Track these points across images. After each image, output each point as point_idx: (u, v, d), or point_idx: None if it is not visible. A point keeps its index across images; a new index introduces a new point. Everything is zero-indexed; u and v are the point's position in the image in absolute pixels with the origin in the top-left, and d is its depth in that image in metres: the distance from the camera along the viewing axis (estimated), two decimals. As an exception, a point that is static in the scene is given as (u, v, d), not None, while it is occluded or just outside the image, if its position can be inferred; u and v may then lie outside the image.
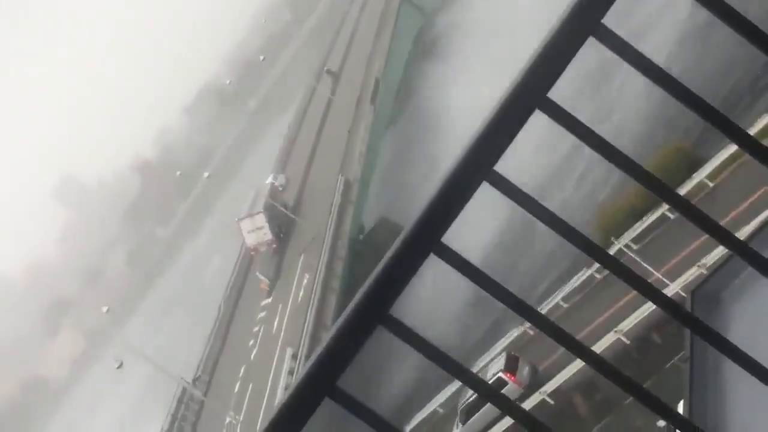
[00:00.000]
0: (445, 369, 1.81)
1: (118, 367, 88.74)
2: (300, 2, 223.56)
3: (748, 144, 1.84)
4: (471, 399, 42.36)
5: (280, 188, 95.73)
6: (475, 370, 43.75)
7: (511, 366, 42.48)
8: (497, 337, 47.46)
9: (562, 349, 1.80)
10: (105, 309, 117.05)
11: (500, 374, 42.15)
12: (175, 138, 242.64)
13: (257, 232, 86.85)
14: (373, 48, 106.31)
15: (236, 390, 75.30)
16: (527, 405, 39.77)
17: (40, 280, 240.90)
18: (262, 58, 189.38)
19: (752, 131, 36.83)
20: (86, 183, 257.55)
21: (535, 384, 41.87)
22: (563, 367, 40.21)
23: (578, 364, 39.89)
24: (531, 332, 44.91)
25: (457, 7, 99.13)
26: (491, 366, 43.75)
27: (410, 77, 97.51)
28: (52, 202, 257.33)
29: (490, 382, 40.01)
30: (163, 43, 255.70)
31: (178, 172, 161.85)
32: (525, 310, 1.82)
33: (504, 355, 43.77)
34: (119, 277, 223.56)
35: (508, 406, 1.83)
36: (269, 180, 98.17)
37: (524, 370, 42.47)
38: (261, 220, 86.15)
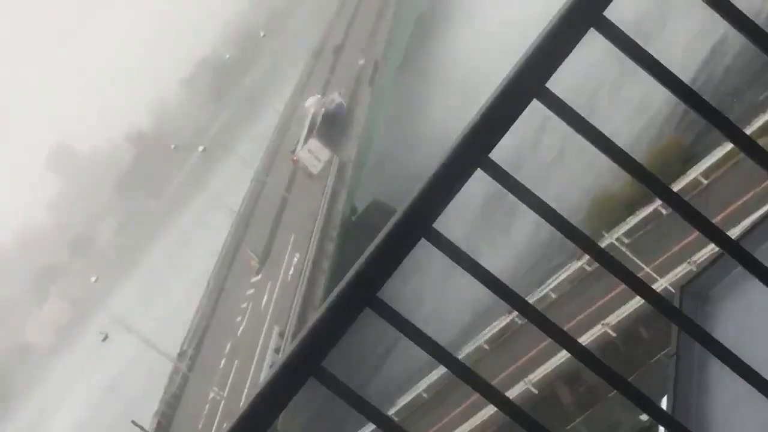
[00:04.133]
0: (433, 355, 1.81)
1: (103, 340, 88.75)
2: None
3: (744, 143, 1.84)
4: None
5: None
6: None
7: None
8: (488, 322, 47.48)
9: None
10: (93, 279, 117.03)
11: None
12: (172, 110, 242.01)
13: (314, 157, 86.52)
14: (373, 29, 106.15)
15: (221, 366, 75.39)
16: (512, 393, 39.90)
17: (30, 247, 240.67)
18: (262, 34, 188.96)
19: (749, 130, 36.87)
20: (80, 151, 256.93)
21: None
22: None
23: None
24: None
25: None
26: None
27: (411, 59, 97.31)
28: (44, 169, 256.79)
29: None
30: (163, 13, 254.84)
31: (173, 146, 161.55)
32: (514, 300, 1.82)
33: None
34: (109, 247, 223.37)
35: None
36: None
37: None
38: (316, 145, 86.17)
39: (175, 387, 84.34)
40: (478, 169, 1.79)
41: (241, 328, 77.69)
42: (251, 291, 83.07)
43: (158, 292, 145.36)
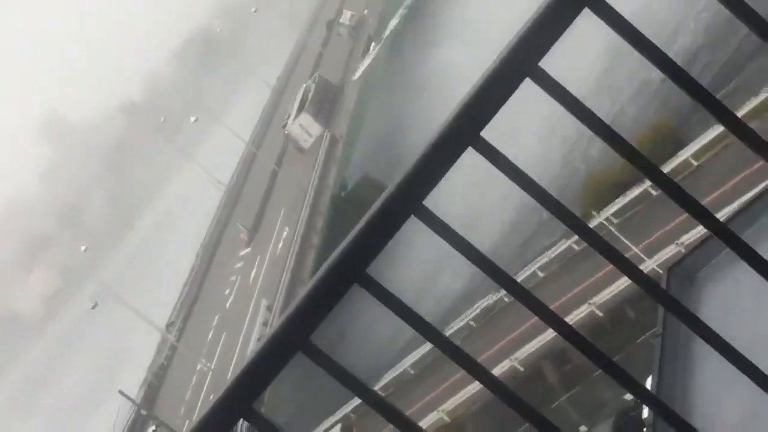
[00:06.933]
0: (419, 331, 1.82)
1: (93, 307, 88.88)
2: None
3: (735, 125, 1.84)
4: None
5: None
6: None
7: None
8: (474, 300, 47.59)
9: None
10: (83, 248, 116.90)
11: None
12: (164, 81, 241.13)
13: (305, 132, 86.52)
14: (367, 3, 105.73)
15: (209, 338, 75.52)
16: (498, 371, 40.09)
17: (20, 216, 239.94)
18: (254, 9, 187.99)
19: (740, 113, 36.89)
20: (71, 122, 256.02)
21: None
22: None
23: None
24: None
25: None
26: None
27: (404, 35, 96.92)
28: (35, 138, 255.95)
29: None
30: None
31: (162, 118, 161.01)
32: (501, 277, 1.83)
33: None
34: (98, 217, 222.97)
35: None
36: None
37: None
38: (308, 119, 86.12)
39: (162, 357, 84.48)
40: (470, 147, 1.79)
41: (230, 301, 77.74)
42: (240, 264, 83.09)
43: (148, 263, 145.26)
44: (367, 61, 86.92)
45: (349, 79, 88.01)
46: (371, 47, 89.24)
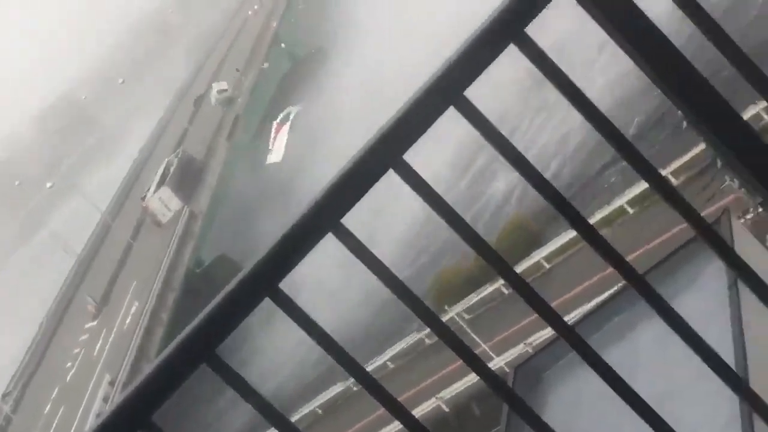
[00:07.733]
0: (265, 417, 1.79)
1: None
2: (172, 29, 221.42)
3: (586, 232, 1.88)
4: None
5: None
6: None
7: None
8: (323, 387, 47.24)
9: None
10: None
11: None
12: (22, 145, 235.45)
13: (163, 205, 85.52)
14: (236, 84, 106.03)
15: (47, 411, 73.03)
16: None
17: None
18: (121, 81, 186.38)
19: (593, 219, 38.02)
20: None
21: None
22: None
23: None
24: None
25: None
26: None
27: (273, 115, 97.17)
28: None
29: None
30: (23, 44, 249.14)
31: (17, 182, 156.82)
32: (351, 366, 1.82)
33: None
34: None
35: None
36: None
37: None
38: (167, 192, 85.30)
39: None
40: (329, 233, 1.79)
41: (71, 374, 75.48)
42: (85, 336, 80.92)
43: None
44: (282, 144, 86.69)
45: (212, 157, 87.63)
46: (282, 130, 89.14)
